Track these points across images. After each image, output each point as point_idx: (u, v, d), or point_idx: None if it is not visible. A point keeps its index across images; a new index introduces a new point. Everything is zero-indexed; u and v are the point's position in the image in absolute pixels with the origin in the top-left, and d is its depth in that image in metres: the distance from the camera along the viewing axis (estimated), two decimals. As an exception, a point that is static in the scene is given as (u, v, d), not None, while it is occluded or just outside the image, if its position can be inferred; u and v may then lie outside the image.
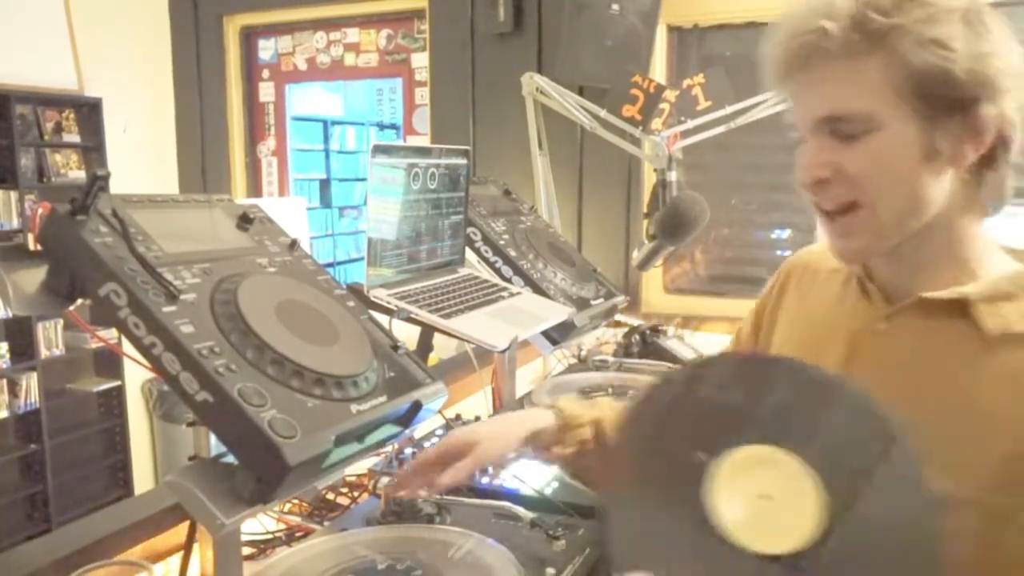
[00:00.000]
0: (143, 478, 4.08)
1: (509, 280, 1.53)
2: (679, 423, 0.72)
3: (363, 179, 6.00)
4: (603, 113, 2.03)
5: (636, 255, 1.86)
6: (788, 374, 0.71)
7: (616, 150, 2.13)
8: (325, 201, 5.81)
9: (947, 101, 0.70)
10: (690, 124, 2.06)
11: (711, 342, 2.36)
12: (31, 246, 0.85)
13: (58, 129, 3.71)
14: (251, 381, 0.78)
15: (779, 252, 2.88)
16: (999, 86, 0.70)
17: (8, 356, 3.51)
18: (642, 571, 0.63)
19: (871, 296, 0.80)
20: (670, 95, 2.24)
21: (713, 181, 2.82)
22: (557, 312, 1.45)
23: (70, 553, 0.95)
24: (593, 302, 1.62)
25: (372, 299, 1.25)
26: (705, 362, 0.78)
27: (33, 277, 0.83)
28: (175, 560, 1.06)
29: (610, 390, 1.56)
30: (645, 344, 1.96)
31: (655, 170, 1.91)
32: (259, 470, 0.75)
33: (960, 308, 0.73)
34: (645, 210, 1.90)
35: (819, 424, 0.67)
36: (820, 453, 0.65)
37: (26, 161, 3.56)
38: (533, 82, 2.20)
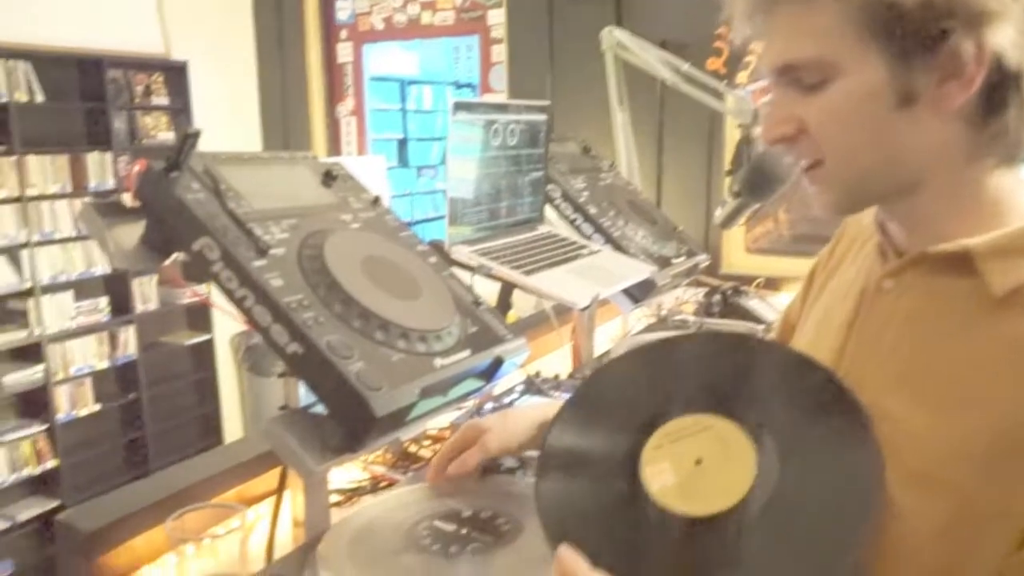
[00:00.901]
0: (232, 428, 4.26)
1: (589, 238, 1.52)
2: (611, 400, 0.74)
3: (440, 139, 6.02)
4: (686, 67, 1.97)
5: (718, 213, 1.81)
6: (714, 344, 0.73)
7: (698, 106, 2.08)
8: (403, 161, 5.86)
9: (916, 36, 0.60)
10: (777, 77, 1.97)
11: (794, 303, 2.30)
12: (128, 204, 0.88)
13: (147, 92, 3.83)
14: (339, 334, 0.79)
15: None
16: (984, 10, 0.59)
17: (108, 310, 3.68)
18: (568, 544, 0.63)
19: (885, 255, 0.73)
20: (756, 47, 2.15)
21: (799, 137, 2.71)
22: (638, 270, 1.43)
23: (169, 495, 0.99)
24: (674, 261, 1.59)
25: (453, 256, 1.25)
26: (647, 344, 0.77)
27: (131, 233, 0.86)
28: (266, 505, 1.10)
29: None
30: (726, 304, 1.92)
31: (739, 126, 1.85)
32: (347, 421, 0.77)
33: (967, 264, 0.65)
34: (728, 167, 1.85)
35: (748, 386, 0.67)
36: (751, 413, 0.65)
37: (119, 124, 3.69)
38: (613, 37, 2.15)
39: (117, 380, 3.84)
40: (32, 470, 3.42)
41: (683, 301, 2.16)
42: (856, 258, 0.81)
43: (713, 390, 0.68)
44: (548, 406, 0.91)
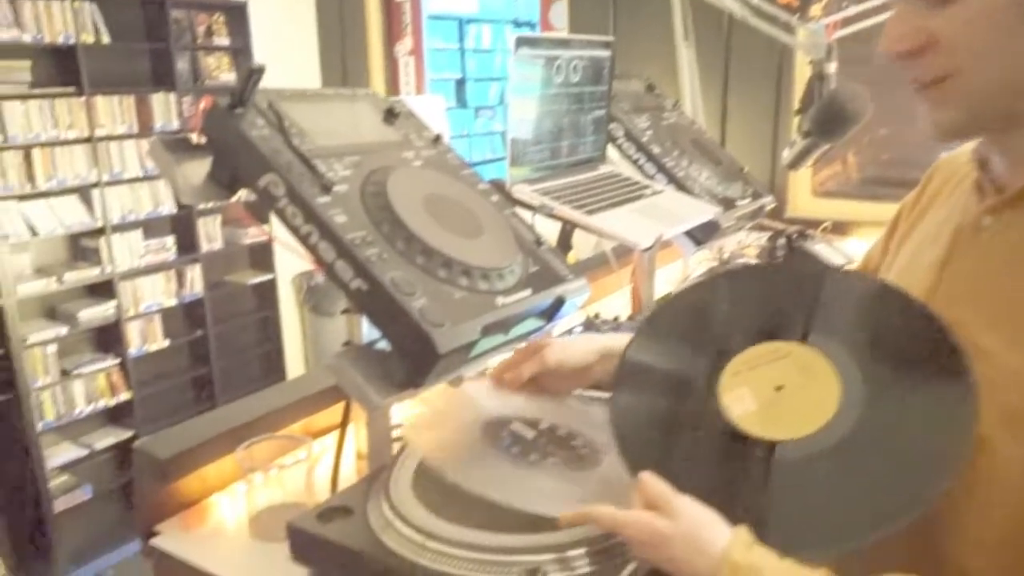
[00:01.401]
0: (295, 365, 4.37)
1: (652, 178, 1.49)
2: (690, 323, 0.74)
3: (499, 79, 5.95)
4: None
5: (786, 154, 1.76)
6: (800, 272, 0.73)
7: (767, 40, 1.99)
8: (461, 101, 5.81)
9: None
10: (852, 10, 1.89)
11: (861, 248, 2.24)
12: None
13: (209, 33, 3.85)
14: (402, 271, 0.79)
15: (944, 154, 2.66)
16: None
17: (174, 249, 3.78)
18: (651, 472, 0.65)
19: (984, 191, 0.70)
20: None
21: (874, 74, 2.60)
22: (702, 211, 1.40)
23: (238, 426, 1.02)
24: (739, 202, 1.56)
25: (514, 195, 1.24)
26: (731, 269, 0.75)
27: (199, 169, 0.88)
28: (330, 438, 1.13)
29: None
30: (791, 248, 1.87)
31: (810, 62, 1.78)
32: (410, 356, 0.77)
33: None
34: (798, 105, 1.78)
35: (834, 316, 0.67)
36: (835, 342, 0.64)
37: (182, 65, 3.73)
38: (679, -32, 2.08)
39: (184, 317, 3.96)
40: (107, 401, 3.57)
41: (745, 245, 2.12)
42: (949, 198, 0.78)
43: (796, 318, 0.67)
44: (611, 337, 0.91)
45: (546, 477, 0.78)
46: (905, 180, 2.66)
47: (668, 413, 0.69)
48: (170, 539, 0.93)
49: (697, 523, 0.61)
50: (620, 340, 0.92)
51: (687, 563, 0.61)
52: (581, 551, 0.69)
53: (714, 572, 0.59)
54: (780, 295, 0.72)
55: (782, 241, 1.88)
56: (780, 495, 0.60)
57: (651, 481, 0.64)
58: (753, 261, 1.77)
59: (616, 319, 1.40)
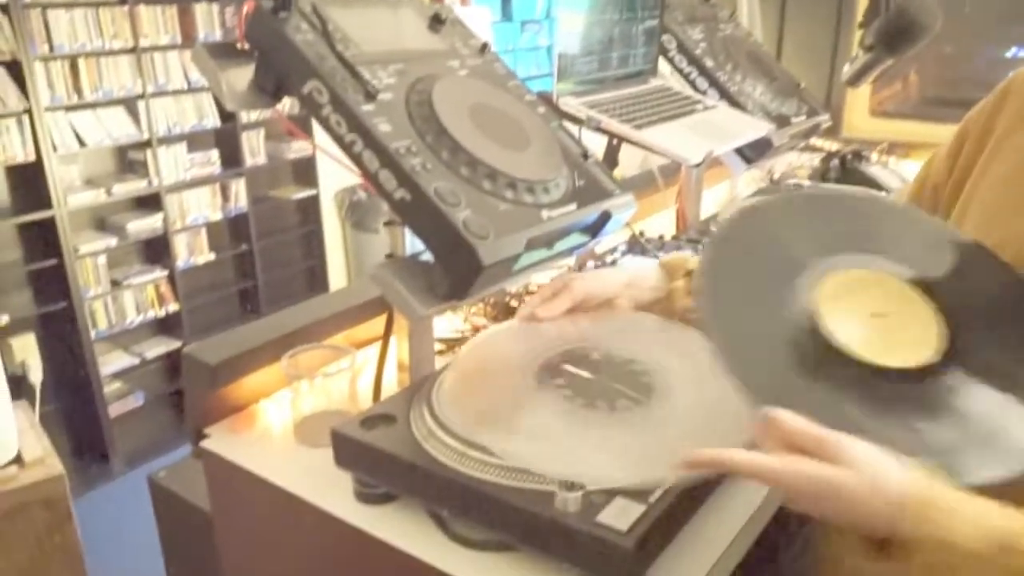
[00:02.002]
0: (337, 280, 4.43)
1: (704, 93, 1.45)
2: (776, 242, 0.68)
3: (545, -9, 5.76)
4: (821, -96, 1.79)
5: (846, 69, 1.69)
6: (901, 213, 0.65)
7: (831, -51, 1.89)
8: (506, 15, 5.66)
9: None
10: (925, -85, 1.77)
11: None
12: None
13: (252, -61, 3.78)
14: (446, 181, 0.78)
15: (1015, 73, 2.52)
16: None
17: (219, 163, 3.80)
18: (772, 404, 0.57)
19: None
20: None
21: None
22: (755, 128, 1.36)
23: (284, 335, 1.04)
24: (794, 120, 1.51)
25: (561, 107, 1.21)
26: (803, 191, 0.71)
27: (242, 75, 0.87)
28: (373, 349, 1.14)
29: (804, 215, 1.48)
30: (844, 170, 1.82)
31: (877, -29, 1.68)
32: (454, 268, 0.77)
33: None
34: (861, 18, 1.70)
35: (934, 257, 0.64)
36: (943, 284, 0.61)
37: (225, -27, 3.68)
38: None
39: (229, 231, 4.02)
40: (157, 312, 3.67)
41: (797, 166, 2.06)
42: None
43: (893, 250, 0.64)
44: (640, 267, 0.89)
45: (623, 430, 0.72)
46: (968, 101, 2.54)
47: (776, 339, 0.62)
48: (219, 442, 0.96)
49: (876, 468, 0.54)
50: (645, 270, 0.91)
51: (863, 507, 0.53)
52: (619, 464, 0.70)
53: (894, 515, 0.53)
54: (858, 222, 0.68)
55: (836, 162, 1.82)
56: (891, 420, 0.57)
57: (799, 423, 0.56)
58: (805, 183, 1.72)
59: (661, 238, 1.38)
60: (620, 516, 0.64)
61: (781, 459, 0.56)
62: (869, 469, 0.54)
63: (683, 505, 0.70)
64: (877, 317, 0.61)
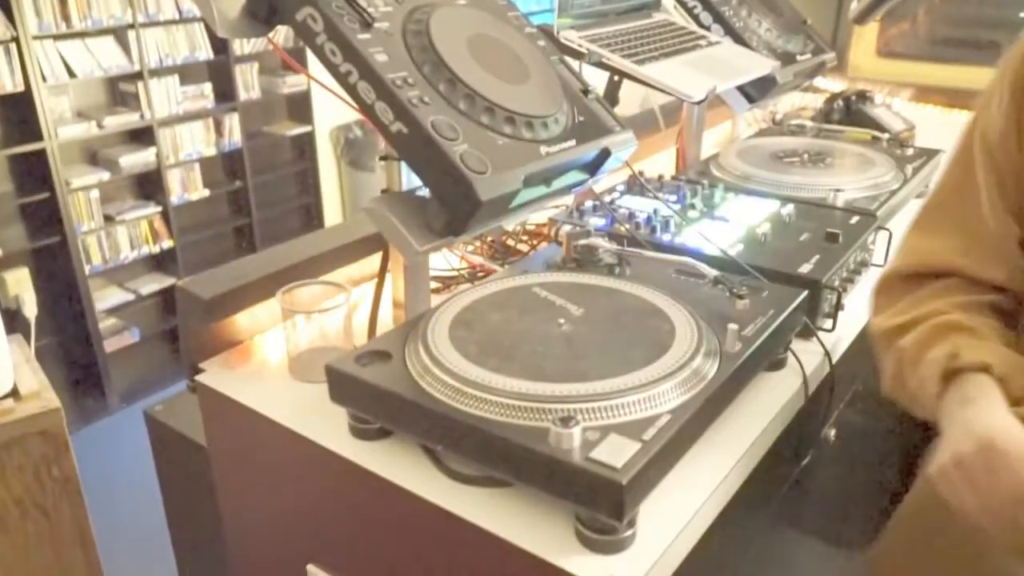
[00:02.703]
0: (332, 218, 4.41)
1: (708, 28, 1.41)
2: None
3: (546, -78, 5.61)
4: None
5: (854, 6, 1.65)
6: None
7: None
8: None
9: None
10: None
11: (924, 113, 2.14)
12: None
13: None
14: (443, 114, 0.77)
15: (1025, 12, 2.47)
16: None
17: (212, 97, 3.75)
18: None
19: None
20: None
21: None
22: (759, 65, 1.33)
23: (279, 270, 1.03)
24: (799, 57, 1.48)
25: (562, 41, 1.19)
26: None
27: (235, 1, 0.84)
28: (368, 287, 1.14)
29: (805, 156, 1.46)
30: (849, 111, 1.80)
31: (889, -98, 1.63)
32: (451, 204, 0.76)
33: None
34: (871, -48, 1.65)
35: None
36: None
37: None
38: None
39: (224, 167, 3.98)
40: (151, 248, 3.66)
41: (799, 108, 2.03)
42: None
43: None
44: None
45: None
46: (979, 41, 2.51)
47: None
48: (214, 376, 0.96)
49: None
50: None
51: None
52: (614, 401, 0.70)
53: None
54: None
55: (840, 103, 1.80)
56: None
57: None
58: (808, 123, 1.70)
59: (660, 177, 1.37)
60: (614, 453, 0.64)
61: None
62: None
63: (677, 441, 0.71)
64: None
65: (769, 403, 0.86)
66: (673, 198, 1.27)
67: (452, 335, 0.82)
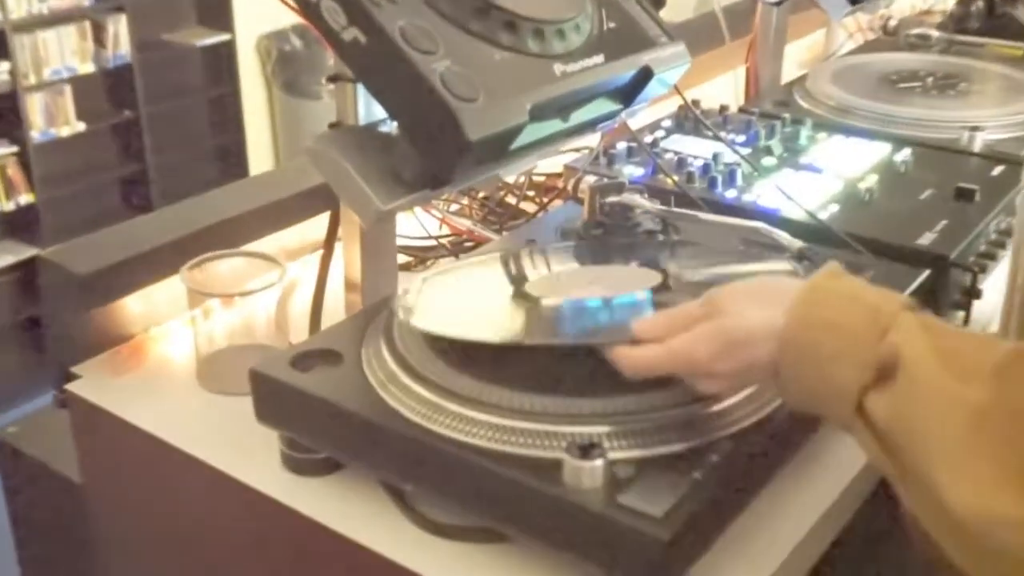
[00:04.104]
0: (260, 165, 4.40)
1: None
2: None
3: None
4: None
5: None
6: None
7: None
8: None
9: None
10: None
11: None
12: None
13: None
14: (418, 18, 0.77)
15: None
16: None
17: (89, -9, 3.73)
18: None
19: None
20: None
21: None
22: (864, -49, 1.33)
23: (182, 238, 1.04)
24: (921, -59, 1.48)
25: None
26: None
27: None
28: (311, 261, 1.14)
29: (929, 81, 1.46)
30: (991, 16, 1.79)
31: None
32: (427, 144, 0.76)
33: None
34: None
35: None
36: None
37: None
38: None
39: (106, 91, 3.98)
40: (2, 205, 3.66)
41: (922, 11, 2.03)
42: None
43: None
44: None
45: None
46: None
47: None
48: (92, 385, 0.97)
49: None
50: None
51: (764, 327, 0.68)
52: (654, 422, 0.70)
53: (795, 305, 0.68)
54: None
55: (979, 4, 1.79)
56: None
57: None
58: (934, 33, 1.70)
59: (723, 110, 1.37)
60: (653, 495, 0.65)
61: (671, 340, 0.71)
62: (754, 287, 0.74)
63: (743, 481, 0.71)
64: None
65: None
66: (741, 139, 1.27)
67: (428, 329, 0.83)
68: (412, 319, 0.80)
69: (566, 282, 0.90)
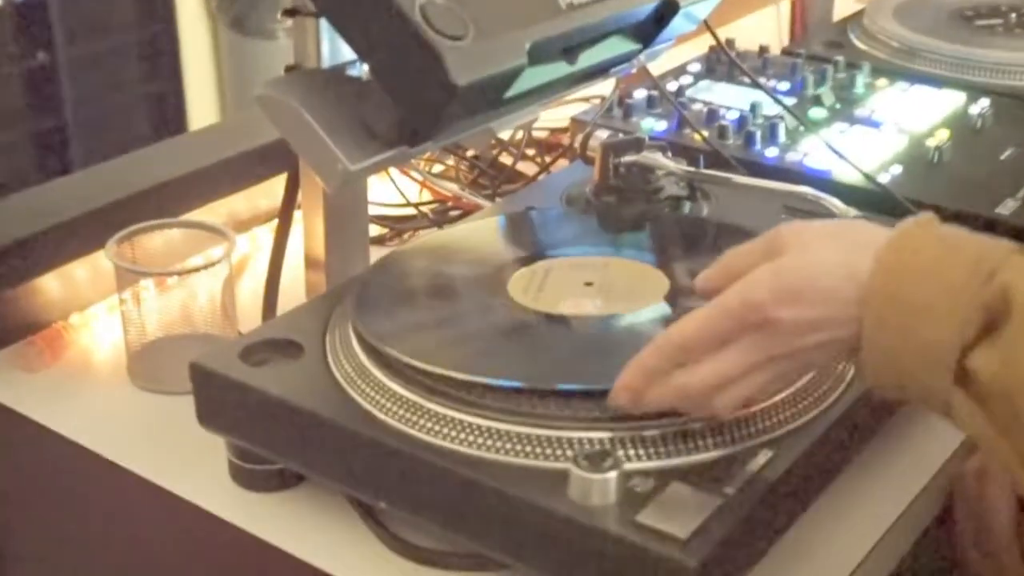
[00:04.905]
0: (202, 116, 4.39)
1: None
2: None
3: None
4: None
5: None
6: None
7: None
8: None
9: None
10: None
11: None
12: None
13: None
14: (394, -63, 0.77)
15: None
16: None
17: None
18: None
19: None
20: None
21: None
22: None
23: (109, 205, 1.04)
24: None
25: None
26: None
27: None
28: (264, 233, 1.14)
29: (1012, 18, 1.46)
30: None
31: None
32: (405, 91, 0.77)
33: None
34: None
35: None
36: None
37: None
38: None
39: (15, 30, 3.97)
40: None
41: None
42: None
43: None
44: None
45: None
46: None
47: None
48: (1, 382, 0.97)
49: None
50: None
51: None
52: (678, 426, 0.71)
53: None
54: None
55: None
56: None
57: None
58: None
59: (762, 52, 1.37)
60: (676, 514, 0.65)
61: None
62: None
63: (787, 497, 0.71)
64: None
65: (947, 434, 0.87)
66: (784, 86, 1.27)
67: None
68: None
69: (557, 283, 0.89)
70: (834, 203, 0.94)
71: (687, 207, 1.00)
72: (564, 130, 1.30)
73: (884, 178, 1.07)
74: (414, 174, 1.23)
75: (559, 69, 0.86)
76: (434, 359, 0.76)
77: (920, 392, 0.65)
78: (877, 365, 0.65)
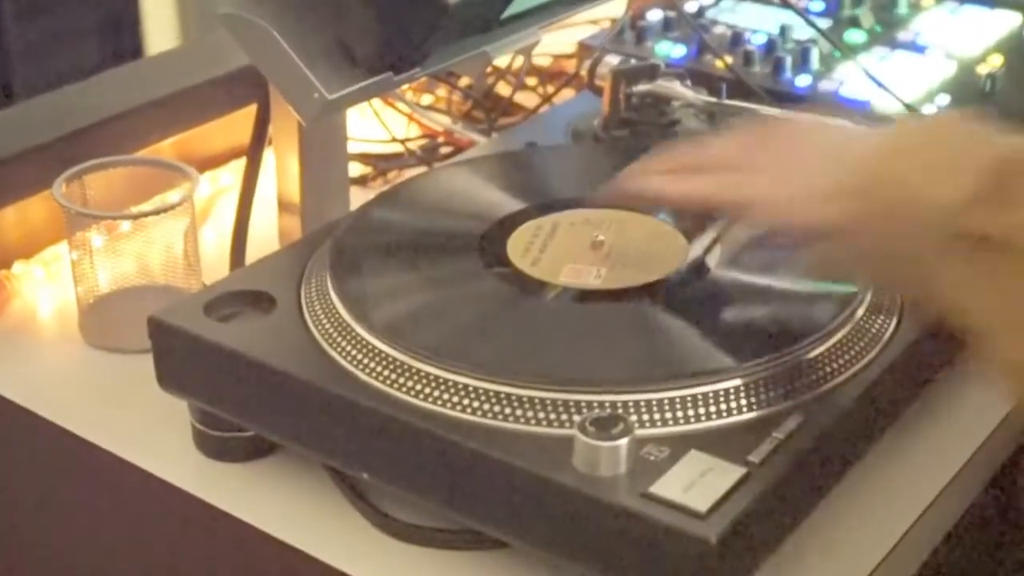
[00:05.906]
0: (160, 40, 4.37)
1: None
2: None
3: None
4: None
5: None
6: None
7: None
8: None
9: None
10: None
11: None
12: None
13: None
14: None
15: None
16: None
17: None
18: None
19: None
20: None
21: None
22: None
23: (55, 140, 1.03)
24: None
25: None
26: None
27: None
28: (230, 173, 1.14)
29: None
30: None
31: None
32: (388, 8, 0.77)
33: None
34: None
35: None
36: None
37: None
38: None
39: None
40: None
41: None
42: None
43: None
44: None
45: None
46: None
47: None
48: (-63, 339, 0.97)
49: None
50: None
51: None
52: (697, 388, 0.71)
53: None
54: None
55: None
56: None
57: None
58: None
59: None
60: (696, 486, 0.65)
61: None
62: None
63: (818, 467, 0.72)
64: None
65: (991, 404, 0.88)
66: (818, 6, 1.27)
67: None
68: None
69: (562, 243, 0.88)
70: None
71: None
72: (570, 56, 1.30)
73: (930, 108, 1.07)
74: (400, 105, 1.23)
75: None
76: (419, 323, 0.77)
77: (909, 269, 0.67)
78: (866, 235, 0.68)
